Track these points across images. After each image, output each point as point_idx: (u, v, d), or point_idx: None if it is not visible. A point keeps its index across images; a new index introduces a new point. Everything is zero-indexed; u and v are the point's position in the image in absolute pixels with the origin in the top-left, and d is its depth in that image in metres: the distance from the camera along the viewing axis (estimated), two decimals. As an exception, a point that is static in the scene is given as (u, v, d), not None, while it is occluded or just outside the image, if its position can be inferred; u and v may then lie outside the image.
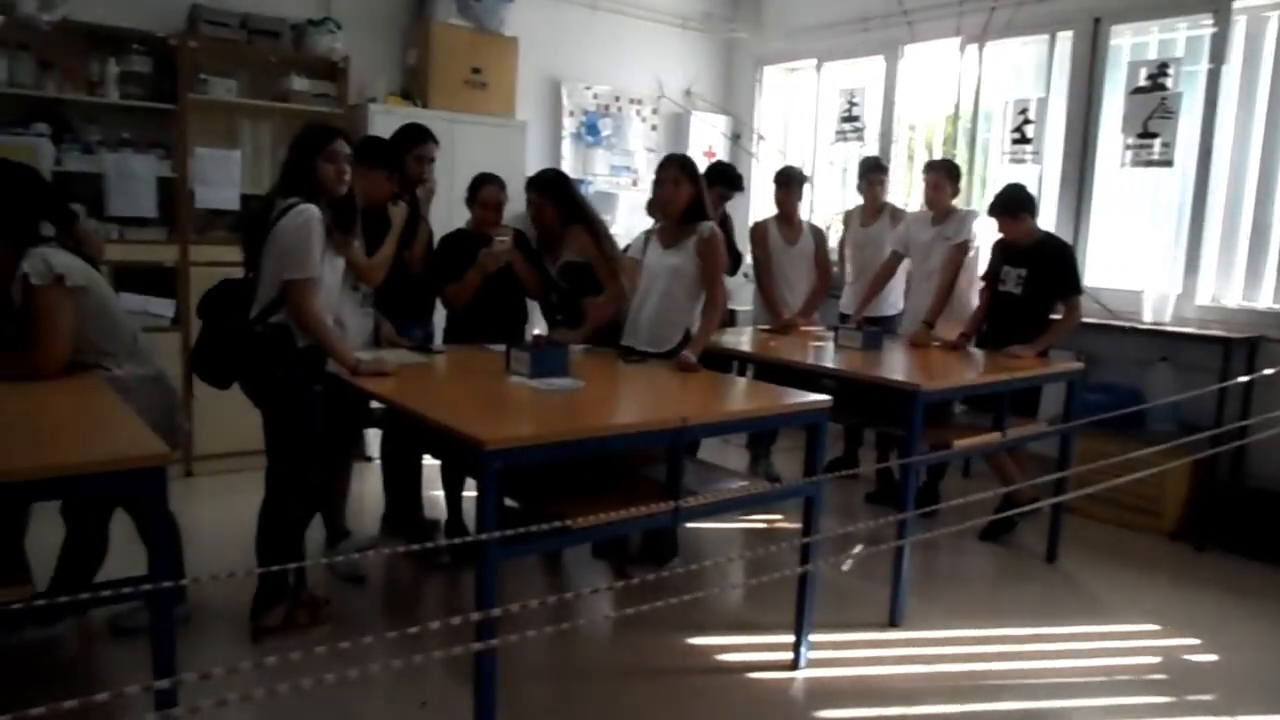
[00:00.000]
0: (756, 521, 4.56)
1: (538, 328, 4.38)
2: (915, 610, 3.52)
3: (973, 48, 5.75)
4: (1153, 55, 4.99)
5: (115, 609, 3.09)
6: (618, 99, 6.70)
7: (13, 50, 4.42)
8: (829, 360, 3.94)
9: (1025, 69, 5.64)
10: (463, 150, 4.23)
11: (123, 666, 2.99)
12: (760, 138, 7.15)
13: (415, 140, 3.88)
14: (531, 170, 4.69)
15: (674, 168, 3.60)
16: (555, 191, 3.94)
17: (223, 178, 4.89)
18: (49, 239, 2.91)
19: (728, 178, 4.82)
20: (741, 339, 4.52)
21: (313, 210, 3.00)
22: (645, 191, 6.30)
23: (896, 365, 3.90)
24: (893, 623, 3.45)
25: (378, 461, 4.26)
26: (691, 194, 3.58)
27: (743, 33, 7.09)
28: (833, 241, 5.61)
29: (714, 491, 2.81)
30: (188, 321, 4.68)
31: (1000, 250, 4.41)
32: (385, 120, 5.03)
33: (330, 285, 3.16)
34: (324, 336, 3.03)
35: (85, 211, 4.35)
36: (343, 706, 2.73)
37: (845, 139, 6.50)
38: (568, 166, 6.32)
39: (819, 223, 5.64)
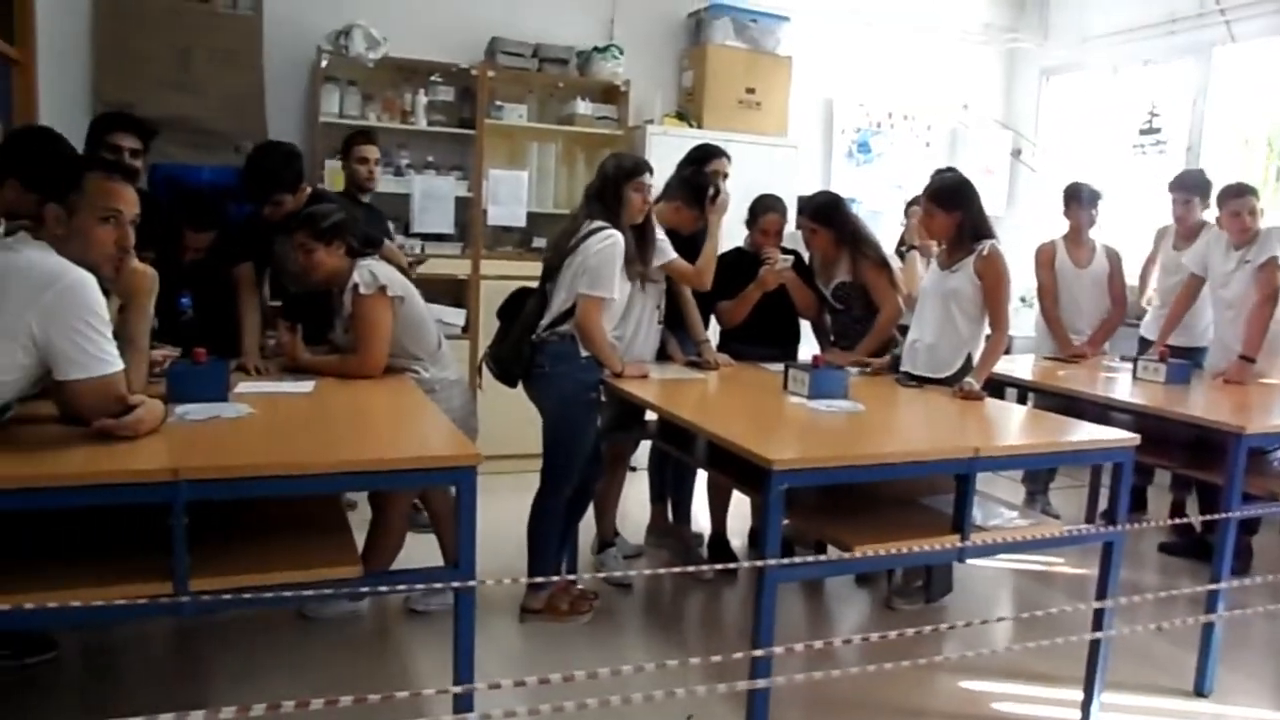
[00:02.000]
0: (1033, 562, 4.26)
1: (807, 348, 4.33)
2: (1225, 681, 3.13)
3: (1306, 47, 5.10)
4: None
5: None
6: (890, 115, 6.52)
7: (344, 86, 4.99)
8: (1126, 394, 3.61)
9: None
10: (736, 170, 4.28)
11: (412, 644, 3.27)
12: (1043, 152, 6.71)
13: (708, 158, 3.97)
14: (804, 190, 4.66)
15: (923, 199, 3.52)
16: (828, 217, 3.91)
17: (512, 197, 5.27)
18: (370, 253, 3.26)
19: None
20: (1014, 365, 4.23)
21: (619, 236, 3.24)
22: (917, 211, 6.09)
23: (1210, 403, 3.51)
24: (1199, 692, 3.09)
25: (643, 471, 4.37)
26: (949, 220, 3.42)
27: (1026, 42, 6.69)
28: (1139, 265, 5.08)
29: (1002, 530, 2.64)
30: (476, 330, 5.06)
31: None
32: (661, 141, 5.20)
33: (618, 307, 3.36)
34: (600, 345, 3.28)
35: (396, 228, 4.80)
36: (610, 711, 2.81)
37: (1144, 152, 5.95)
38: (838, 185, 6.20)
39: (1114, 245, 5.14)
